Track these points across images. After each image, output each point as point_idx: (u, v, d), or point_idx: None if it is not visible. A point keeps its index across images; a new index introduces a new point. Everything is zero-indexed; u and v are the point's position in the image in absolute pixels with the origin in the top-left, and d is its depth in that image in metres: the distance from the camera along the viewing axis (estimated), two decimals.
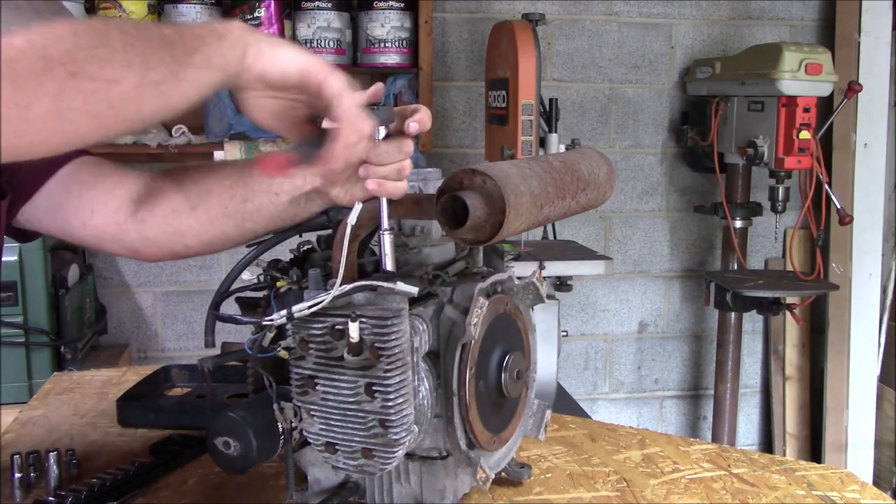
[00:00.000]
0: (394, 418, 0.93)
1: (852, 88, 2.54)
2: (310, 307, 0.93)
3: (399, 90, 2.74)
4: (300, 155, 0.87)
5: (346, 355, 0.93)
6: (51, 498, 1.09)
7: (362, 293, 0.95)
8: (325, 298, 0.92)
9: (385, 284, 0.94)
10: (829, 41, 3.07)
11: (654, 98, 3.12)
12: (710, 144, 2.80)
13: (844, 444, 3.07)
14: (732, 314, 2.92)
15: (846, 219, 2.62)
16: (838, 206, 2.62)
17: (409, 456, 1.04)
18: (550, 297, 2.35)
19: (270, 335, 0.97)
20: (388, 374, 0.92)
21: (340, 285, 0.93)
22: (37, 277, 2.27)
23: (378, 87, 0.96)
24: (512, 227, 0.91)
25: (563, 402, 2.47)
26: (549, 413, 1.20)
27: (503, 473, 1.18)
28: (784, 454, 3.20)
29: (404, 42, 2.65)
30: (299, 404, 0.98)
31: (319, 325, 0.95)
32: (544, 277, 2.43)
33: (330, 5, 2.59)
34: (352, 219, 0.94)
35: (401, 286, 0.93)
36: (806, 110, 2.46)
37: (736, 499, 1.18)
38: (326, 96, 0.88)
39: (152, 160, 2.71)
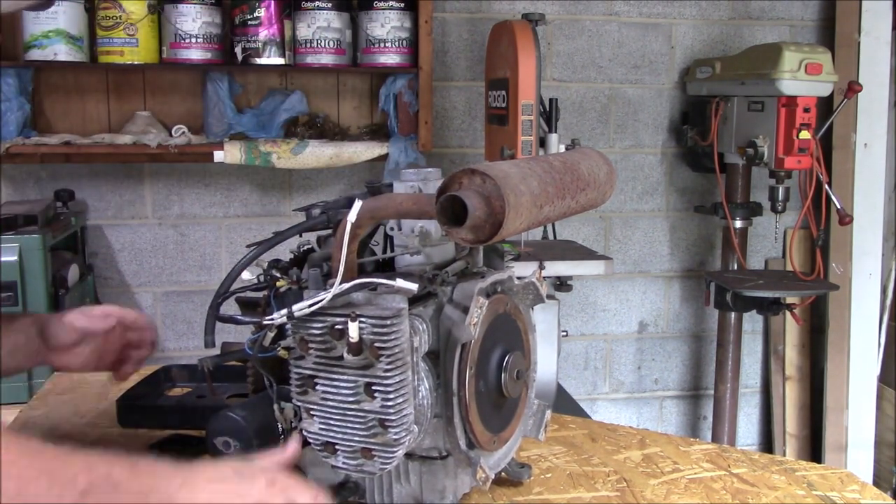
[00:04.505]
0: (393, 418, 0.93)
1: (852, 88, 2.54)
2: (310, 306, 0.93)
3: (399, 90, 2.74)
4: None
5: (345, 355, 0.93)
6: None
7: (362, 293, 0.95)
8: (325, 297, 0.93)
9: (385, 282, 0.94)
10: (829, 41, 3.06)
11: (654, 98, 3.12)
12: (710, 144, 2.80)
13: (844, 444, 3.07)
14: (732, 314, 2.92)
15: (846, 219, 2.62)
16: (838, 206, 2.62)
17: (409, 456, 1.04)
18: (550, 297, 2.34)
19: (271, 335, 0.97)
20: (387, 374, 0.92)
21: (340, 284, 0.93)
22: (37, 277, 2.27)
23: None
24: (512, 226, 0.91)
25: (563, 402, 2.47)
26: (549, 413, 1.20)
27: (503, 473, 1.17)
28: (784, 454, 3.20)
29: (404, 42, 2.65)
30: (299, 404, 0.98)
31: (319, 325, 0.95)
32: (544, 277, 2.43)
33: (330, 5, 2.59)
34: (352, 217, 0.94)
35: (401, 283, 0.93)
36: (806, 110, 2.46)
37: (736, 499, 1.18)
38: None
39: (152, 160, 2.72)
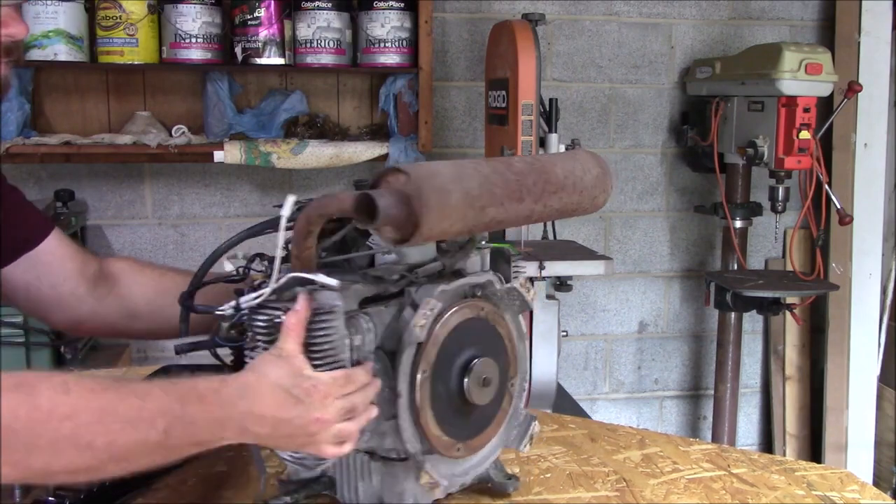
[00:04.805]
0: None
1: (852, 88, 2.54)
2: (254, 299, 0.95)
3: (399, 90, 2.74)
4: None
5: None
6: (50, 498, 1.09)
7: (307, 288, 0.96)
8: (265, 291, 0.94)
9: (311, 277, 0.94)
10: (829, 41, 3.06)
11: (654, 98, 3.12)
12: (710, 144, 2.80)
13: (844, 444, 3.07)
14: (732, 314, 2.92)
15: (846, 219, 2.62)
16: (838, 206, 2.62)
17: (372, 455, 1.04)
18: (550, 297, 2.34)
19: (225, 325, 0.99)
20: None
21: (276, 280, 0.95)
22: None
23: None
24: (438, 226, 0.90)
25: (563, 402, 2.47)
26: (536, 425, 1.16)
27: (489, 484, 1.15)
28: (784, 454, 3.19)
29: (404, 42, 2.65)
30: None
31: (263, 318, 0.96)
32: (545, 277, 2.41)
33: (330, 5, 2.59)
34: (285, 211, 0.95)
35: (322, 279, 0.94)
36: (806, 110, 2.46)
37: (735, 499, 1.18)
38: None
39: (152, 160, 2.72)
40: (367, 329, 0.97)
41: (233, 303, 0.97)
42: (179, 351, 1.04)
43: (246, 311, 0.97)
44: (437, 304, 0.99)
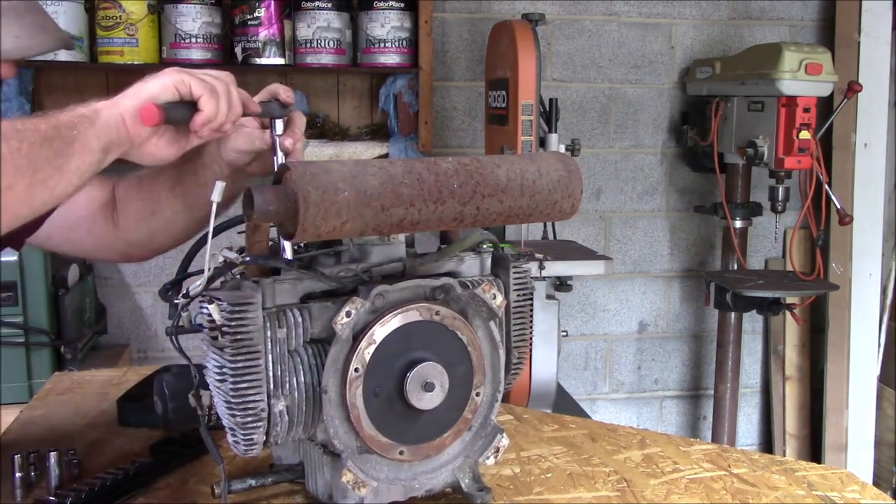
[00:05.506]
0: (235, 401, 0.95)
1: (852, 88, 2.54)
2: (195, 287, 0.98)
3: (399, 90, 2.74)
4: (169, 114, 1.04)
5: (209, 335, 0.97)
6: (51, 497, 1.09)
7: (248, 280, 0.98)
8: (202, 281, 0.97)
9: (239, 259, 0.97)
10: (829, 41, 3.07)
11: (654, 98, 3.12)
12: (710, 144, 2.80)
13: (844, 444, 3.07)
14: (732, 314, 2.92)
15: (846, 219, 2.62)
16: (838, 206, 2.62)
17: (325, 448, 1.04)
18: (550, 297, 2.34)
19: (184, 314, 1.00)
20: (233, 359, 0.94)
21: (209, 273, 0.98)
22: (37, 277, 2.27)
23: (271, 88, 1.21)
24: (325, 224, 0.91)
25: (563, 402, 2.47)
26: (502, 438, 1.12)
27: (458, 493, 1.14)
28: (784, 454, 3.20)
29: (404, 42, 2.65)
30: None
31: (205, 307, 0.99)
32: (544, 277, 2.41)
33: (330, 5, 2.59)
34: (215, 196, 0.98)
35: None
36: (806, 110, 2.46)
37: (736, 499, 1.18)
38: (196, 94, 1.05)
39: None
40: (296, 323, 0.98)
41: (185, 290, 1.00)
42: (169, 333, 1.06)
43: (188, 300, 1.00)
44: (363, 303, 0.99)
